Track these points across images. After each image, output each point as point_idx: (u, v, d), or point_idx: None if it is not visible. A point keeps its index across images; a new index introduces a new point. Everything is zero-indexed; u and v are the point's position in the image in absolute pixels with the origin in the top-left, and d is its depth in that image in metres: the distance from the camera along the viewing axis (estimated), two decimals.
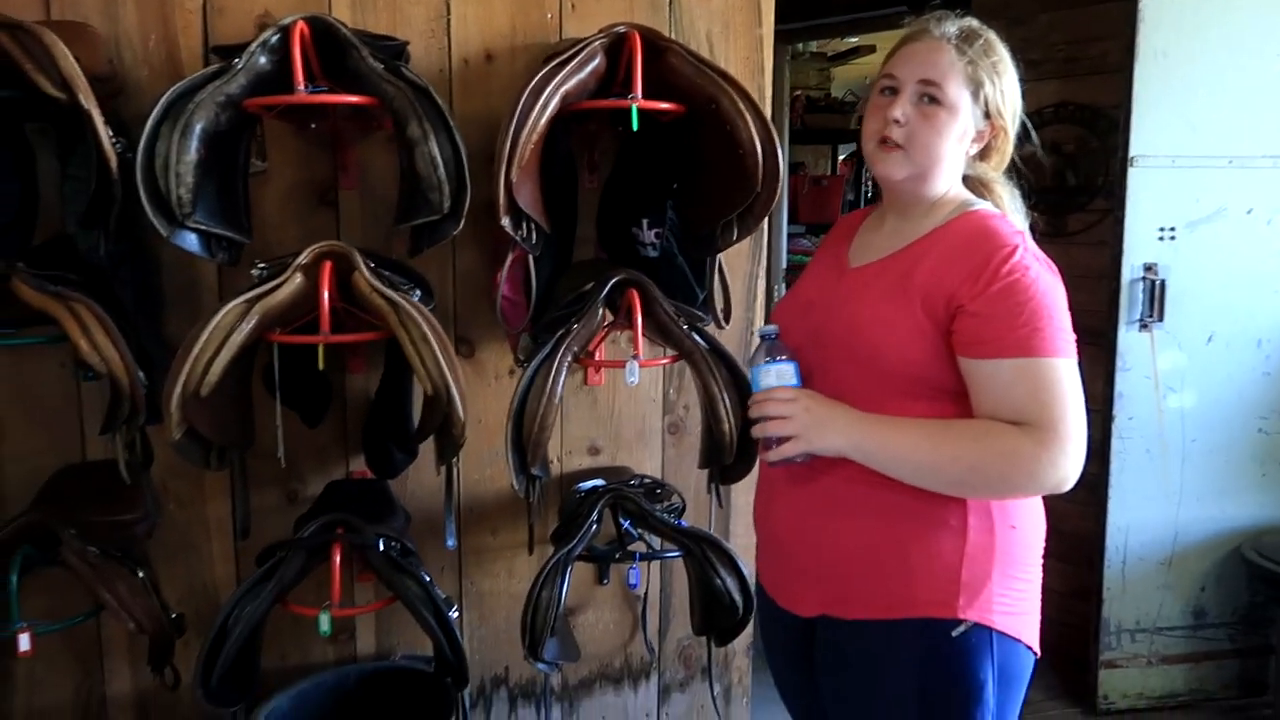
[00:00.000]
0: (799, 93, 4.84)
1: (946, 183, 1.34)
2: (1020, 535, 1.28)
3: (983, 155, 1.36)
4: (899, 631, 1.27)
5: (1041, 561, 1.33)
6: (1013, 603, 1.26)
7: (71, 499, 1.79)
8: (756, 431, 1.33)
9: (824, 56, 5.08)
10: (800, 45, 4.79)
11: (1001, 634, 1.25)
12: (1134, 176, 2.56)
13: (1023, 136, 1.39)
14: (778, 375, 1.32)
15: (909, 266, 1.29)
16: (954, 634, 1.24)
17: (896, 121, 1.30)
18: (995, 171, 1.37)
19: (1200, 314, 2.63)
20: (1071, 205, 2.87)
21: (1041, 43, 2.86)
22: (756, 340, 1.41)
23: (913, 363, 1.26)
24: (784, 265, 4.12)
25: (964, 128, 1.31)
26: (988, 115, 1.31)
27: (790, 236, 4.39)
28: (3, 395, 1.83)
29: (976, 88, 1.29)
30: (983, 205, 1.33)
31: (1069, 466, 1.20)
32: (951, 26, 1.31)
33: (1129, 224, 2.58)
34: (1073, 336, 1.22)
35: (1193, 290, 2.62)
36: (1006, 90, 1.31)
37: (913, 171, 1.32)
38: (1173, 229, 2.60)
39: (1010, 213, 1.36)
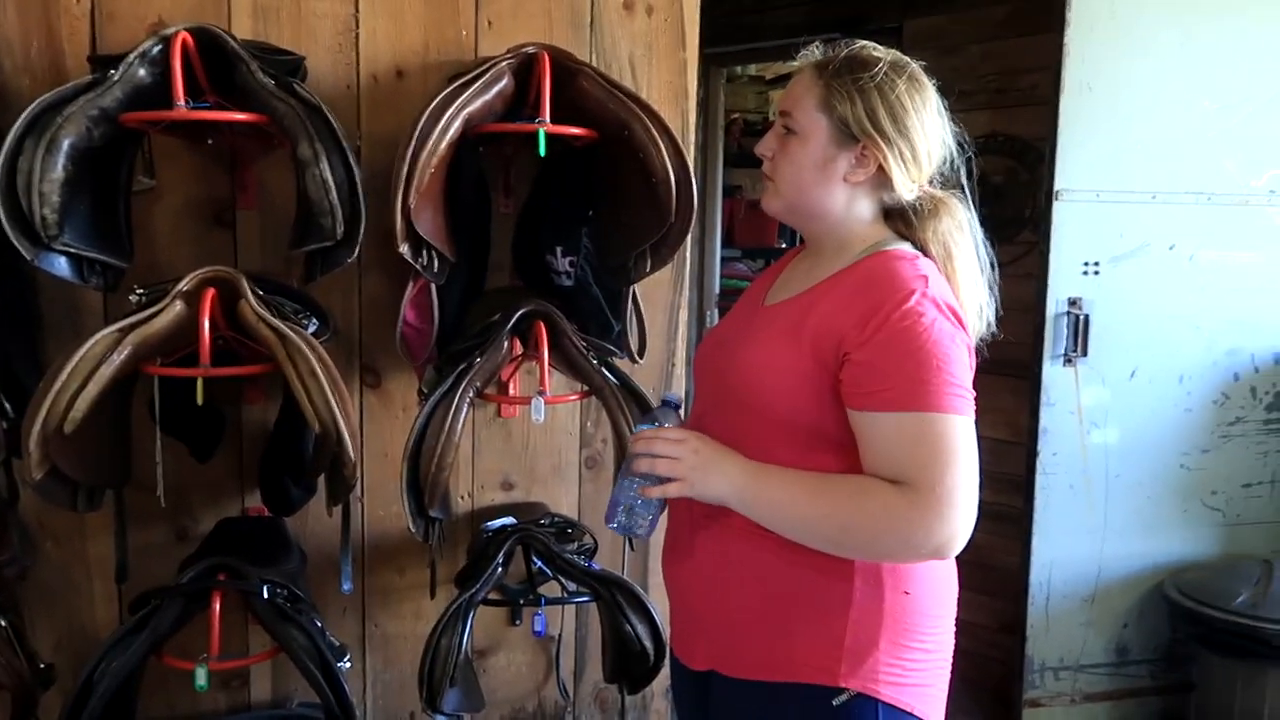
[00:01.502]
0: (736, 116, 4.82)
1: (841, 216, 1.26)
2: (915, 602, 1.20)
3: (887, 184, 1.24)
4: (779, 695, 1.21)
5: (950, 628, 1.27)
6: (904, 673, 1.19)
7: None
8: (642, 466, 1.22)
9: (762, 80, 5.08)
10: (739, 68, 4.78)
11: (889, 705, 1.18)
12: (1059, 210, 2.55)
13: (949, 164, 1.30)
14: None
15: (806, 309, 1.22)
16: (834, 702, 1.17)
17: (763, 156, 1.29)
18: (907, 197, 1.25)
19: (1123, 349, 2.63)
20: (1000, 237, 2.84)
21: (972, 73, 2.87)
22: (659, 402, 1.35)
23: (801, 410, 1.20)
24: (717, 290, 4.08)
25: (823, 154, 1.23)
26: (853, 136, 1.22)
27: (725, 260, 4.36)
28: None
29: (831, 110, 1.22)
30: (897, 245, 1.25)
31: (946, 532, 1.10)
32: (818, 51, 1.26)
33: (1053, 258, 2.57)
34: (968, 391, 1.14)
35: (1116, 325, 2.62)
36: (878, 108, 1.20)
37: (784, 204, 1.28)
38: (1097, 264, 2.60)
39: (936, 246, 1.25)
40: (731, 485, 1.19)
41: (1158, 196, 2.60)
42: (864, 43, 1.26)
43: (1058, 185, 2.54)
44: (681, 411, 1.33)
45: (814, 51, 1.27)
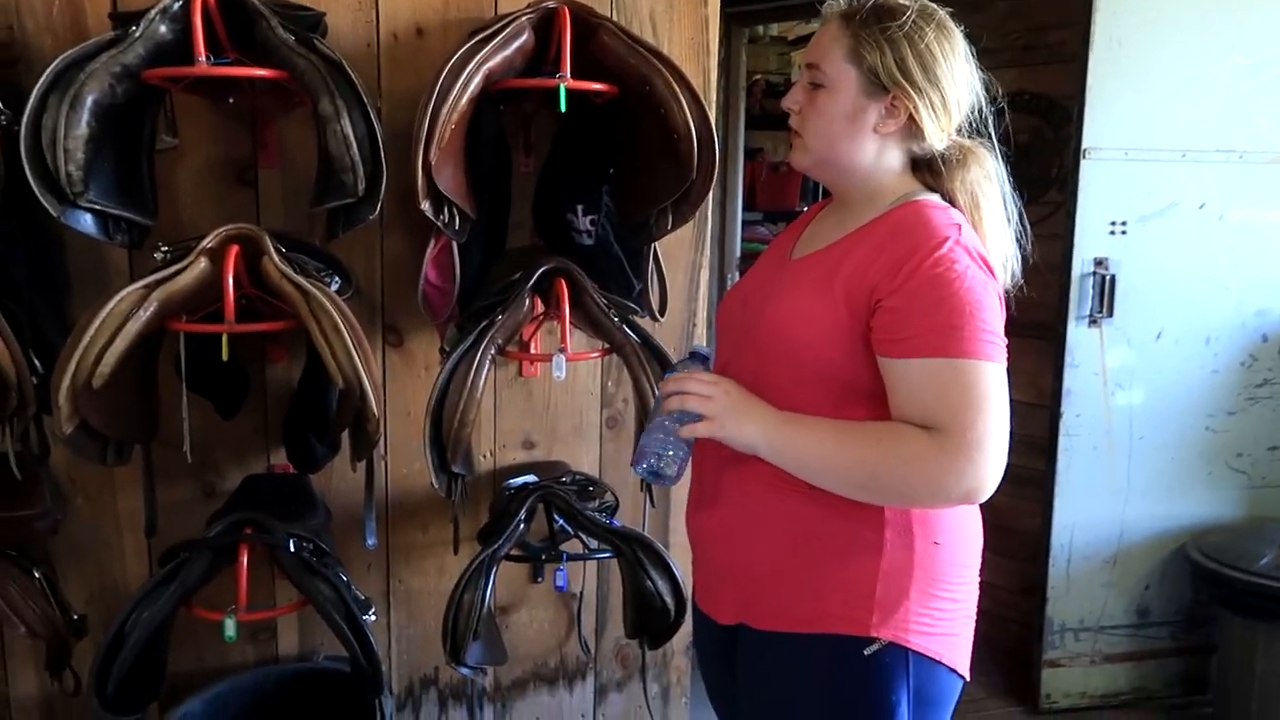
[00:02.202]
0: (758, 77, 4.76)
1: (870, 168, 1.25)
2: (945, 552, 1.21)
3: (917, 134, 1.23)
4: (810, 646, 1.21)
5: (976, 579, 1.27)
6: (934, 623, 1.20)
7: None
8: (673, 404, 1.22)
9: (784, 40, 5.00)
10: (760, 28, 4.71)
11: (919, 654, 1.19)
12: (1086, 169, 2.51)
13: (978, 113, 1.28)
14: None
15: (838, 260, 1.21)
16: (866, 652, 1.18)
17: (790, 110, 1.28)
18: (938, 147, 1.24)
19: (1149, 310, 2.61)
20: (1026, 197, 2.82)
21: (999, 30, 2.81)
22: (688, 353, 1.34)
23: (832, 362, 1.19)
24: (738, 254, 4.05)
25: (853, 105, 1.22)
26: (883, 86, 1.20)
27: (746, 224, 4.32)
28: None
29: (860, 60, 1.21)
30: (927, 196, 1.24)
31: (976, 476, 1.10)
32: (843, 2, 1.25)
33: (1080, 217, 2.54)
34: (1000, 339, 1.14)
35: (1142, 286, 2.59)
36: (907, 56, 1.19)
37: (812, 159, 1.27)
38: (1124, 223, 2.56)
39: (964, 196, 1.24)
40: (761, 430, 1.19)
41: (1188, 154, 2.56)
42: None
43: (1085, 143, 2.50)
44: (710, 363, 1.33)
45: (839, 2, 1.25)
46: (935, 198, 1.24)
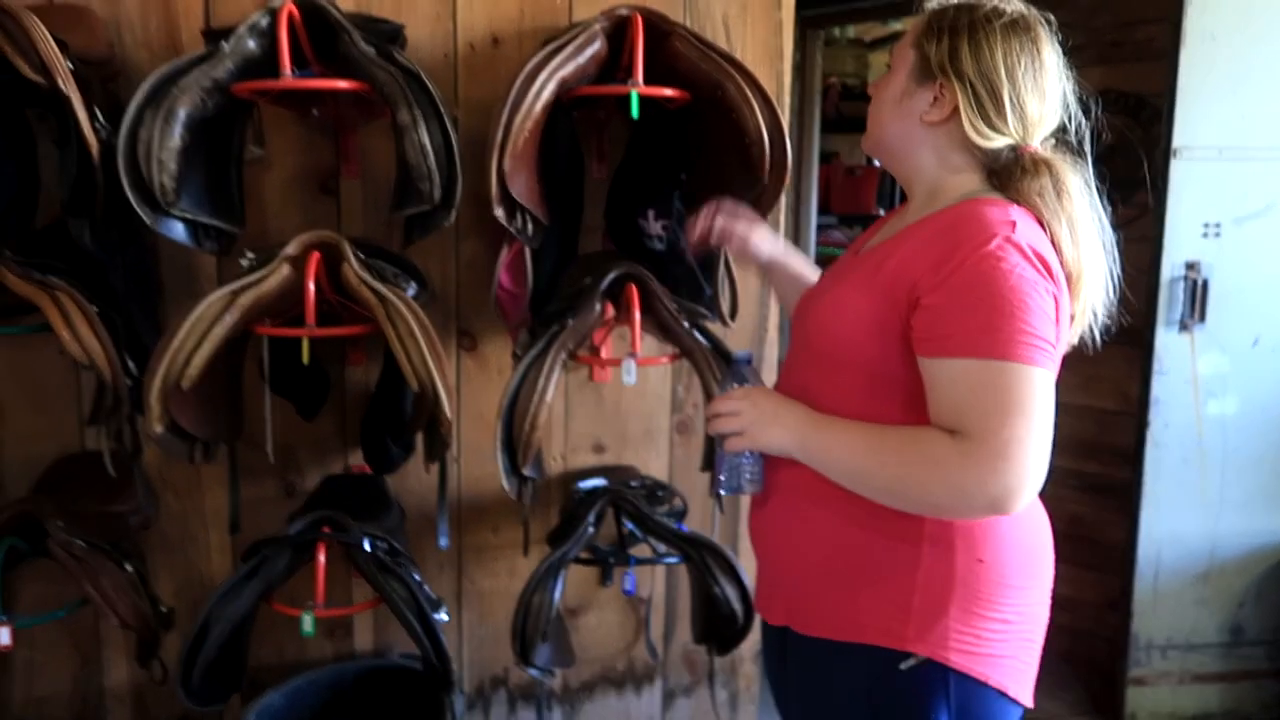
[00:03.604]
0: (834, 80, 4.70)
1: (927, 161, 1.22)
2: (991, 570, 1.15)
3: (978, 132, 1.18)
4: (849, 655, 1.19)
5: (1038, 600, 1.22)
6: (978, 642, 1.15)
7: (68, 489, 1.78)
8: (711, 428, 1.27)
9: (861, 43, 4.94)
10: (836, 31, 4.66)
11: (961, 674, 1.14)
12: (1177, 169, 2.42)
13: (1070, 133, 1.22)
14: None
15: (886, 255, 1.18)
16: (902, 667, 1.15)
17: (871, 94, 1.30)
18: (997, 148, 1.17)
19: (1245, 315, 2.49)
20: (1112, 199, 2.73)
21: (1085, 26, 2.72)
22: (721, 375, 1.37)
23: (870, 358, 1.16)
24: (813, 258, 4.02)
25: (902, 88, 1.21)
26: (931, 73, 1.18)
27: (821, 228, 4.28)
28: (4, 381, 1.82)
29: (920, 45, 1.19)
30: (992, 195, 1.17)
31: (1001, 484, 1.04)
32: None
33: (1170, 219, 2.44)
34: (1046, 343, 1.07)
35: (1237, 290, 2.48)
36: (961, 46, 1.16)
37: (870, 140, 1.28)
38: (1218, 225, 2.46)
39: (1043, 206, 1.15)
40: (791, 435, 1.19)
41: None
42: None
43: (1176, 142, 2.41)
44: (755, 364, 1.35)
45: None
46: (999, 197, 1.17)
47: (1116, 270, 1.23)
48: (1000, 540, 1.16)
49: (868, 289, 1.17)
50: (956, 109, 1.17)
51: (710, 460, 1.59)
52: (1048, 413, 1.07)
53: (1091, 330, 1.22)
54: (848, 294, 1.20)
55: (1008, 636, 1.17)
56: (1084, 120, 1.23)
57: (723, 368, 1.61)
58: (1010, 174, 1.19)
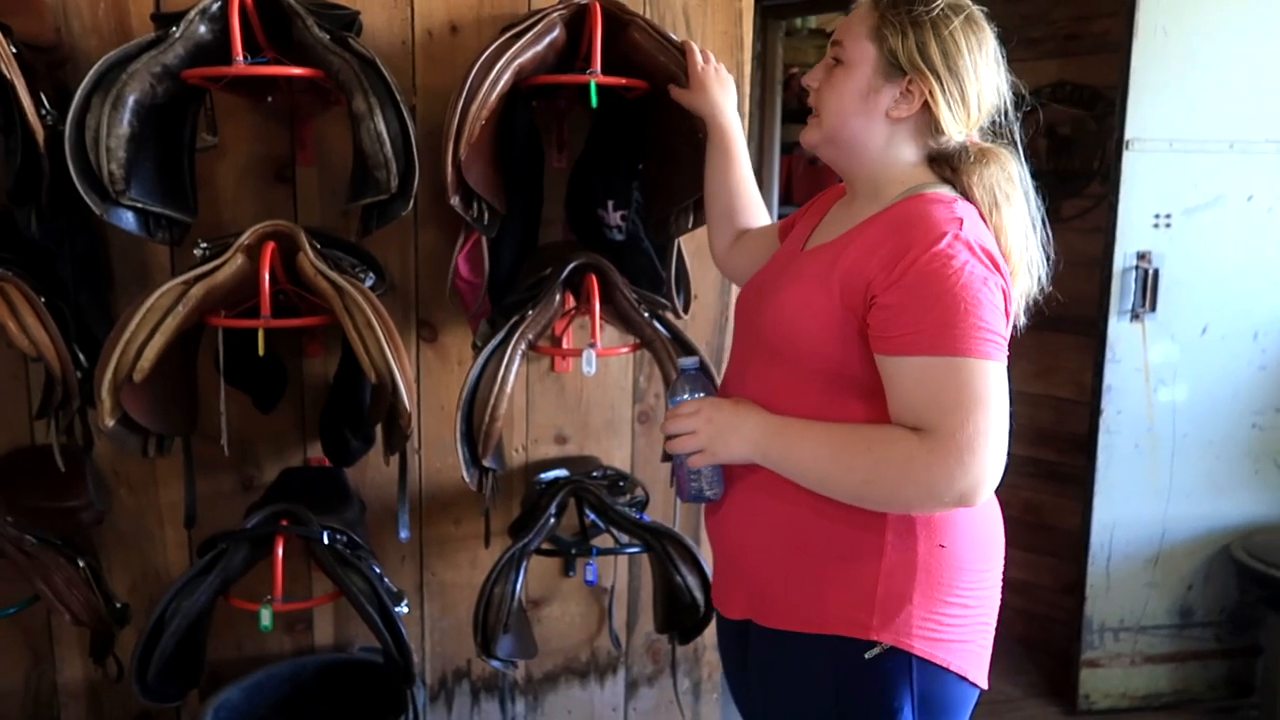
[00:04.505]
0: (795, 70, 4.72)
1: (880, 155, 1.22)
2: (952, 556, 1.17)
3: (933, 125, 1.21)
4: (813, 646, 1.20)
5: (993, 584, 1.24)
6: (940, 628, 1.17)
7: (17, 484, 1.75)
8: (669, 449, 1.27)
9: (823, 33, 4.96)
10: (798, 21, 4.67)
11: (924, 660, 1.16)
12: (1129, 160, 2.46)
13: (1003, 116, 1.25)
14: None
15: (839, 252, 1.19)
16: (867, 656, 1.16)
17: (809, 88, 1.27)
18: (954, 140, 1.21)
19: (1195, 305, 2.55)
20: (1067, 190, 2.78)
21: (1043, 19, 2.77)
22: (675, 374, 1.36)
23: (829, 357, 1.17)
24: None
25: (868, 84, 1.20)
26: (901, 69, 1.18)
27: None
28: None
29: (882, 40, 1.19)
30: (937, 189, 1.20)
31: (968, 479, 1.07)
32: None
33: (1122, 210, 2.48)
34: (999, 337, 1.10)
35: (1187, 280, 2.53)
36: (929, 43, 1.17)
37: (823, 135, 1.25)
38: (1168, 216, 2.51)
39: (982, 194, 1.19)
40: (753, 444, 1.20)
41: (1235, 145, 2.50)
42: None
43: (1129, 134, 2.45)
44: (708, 369, 1.35)
45: None
46: (945, 190, 1.20)
47: (1049, 257, 1.26)
48: (959, 526, 1.18)
49: (824, 287, 1.17)
50: (925, 105, 1.19)
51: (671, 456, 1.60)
52: (1004, 404, 1.09)
53: (1025, 316, 1.25)
54: (803, 293, 1.20)
55: (967, 621, 1.19)
56: (1012, 111, 1.26)
57: (673, 378, 1.61)
58: (958, 163, 1.21)
